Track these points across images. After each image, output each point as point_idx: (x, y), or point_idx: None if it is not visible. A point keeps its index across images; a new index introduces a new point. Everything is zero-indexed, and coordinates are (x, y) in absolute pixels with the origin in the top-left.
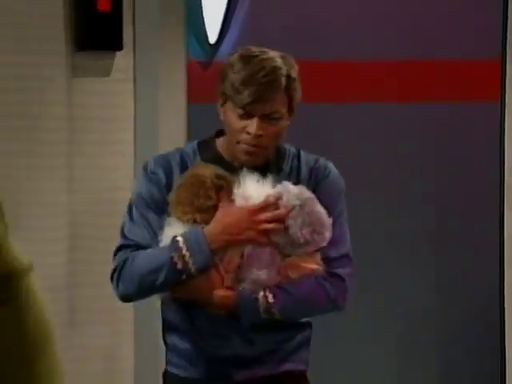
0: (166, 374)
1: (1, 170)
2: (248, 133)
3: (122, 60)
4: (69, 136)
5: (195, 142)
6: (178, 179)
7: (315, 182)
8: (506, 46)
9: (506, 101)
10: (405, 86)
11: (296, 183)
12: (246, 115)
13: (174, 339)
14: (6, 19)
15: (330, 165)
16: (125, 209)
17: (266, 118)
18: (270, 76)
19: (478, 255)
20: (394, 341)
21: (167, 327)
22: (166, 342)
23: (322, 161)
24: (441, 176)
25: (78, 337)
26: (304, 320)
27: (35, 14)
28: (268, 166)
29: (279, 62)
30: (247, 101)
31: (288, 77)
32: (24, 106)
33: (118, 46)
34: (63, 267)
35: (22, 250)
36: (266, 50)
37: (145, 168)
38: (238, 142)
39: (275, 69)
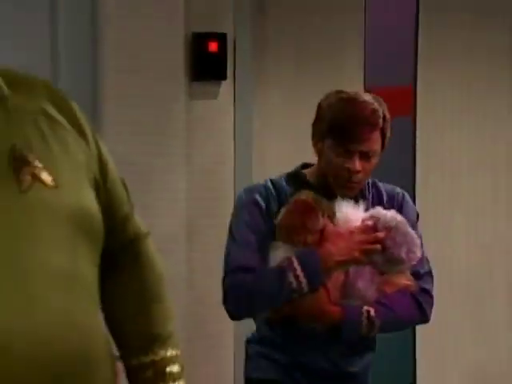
0: (250, 381)
1: (137, 167)
2: (348, 169)
3: (226, 87)
4: (187, 141)
5: (284, 174)
6: (275, 206)
7: (395, 208)
8: (416, 75)
9: (417, 117)
10: None
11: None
12: (346, 152)
13: (265, 350)
14: (142, 62)
15: (406, 193)
16: (226, 191)
17: (364, 155)
18: (370, 118)
19: None
20: None
21: (258, 339)
22: (253, 352)
23: (399, 189)
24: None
25: (192, 288)
26: (373, 344)
27: (164, 55)
28: (355, 194)
29: (376, 104)
30: (349, 140)
31: (384, 118)
32: (157, 120)
33: (223, 76)
34: (182, 233)
35: (143, 222)
36: (358, 92)
37: (245, 197)
38: (336, 177)
39: (374, 111)
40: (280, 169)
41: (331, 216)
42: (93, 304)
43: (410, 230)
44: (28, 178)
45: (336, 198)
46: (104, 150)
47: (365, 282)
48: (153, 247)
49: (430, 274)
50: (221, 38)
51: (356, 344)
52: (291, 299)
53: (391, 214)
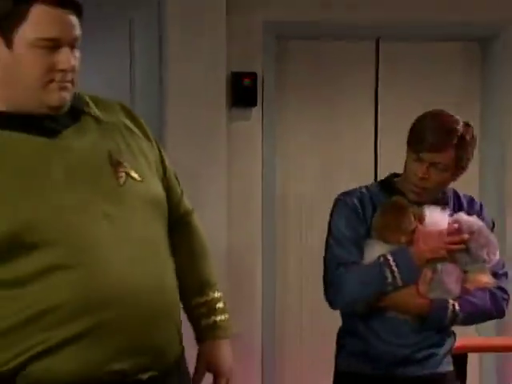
0: (341, 374)
1: (189, 172)
2: (415, 174)
3: (256, 112)
4: (227, 153)
5: (376, 182)
6: (369, 210)
7: (474, 215)
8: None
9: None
10: None
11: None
12: (418, 159)
13: (350, 342)
14: (195, 93)
15: (482, 203)
16: (255, 191)
17: (433, 166)
18: (444, 133)
19: None
20: None
21: (346, 332)
22: (342, 346)
23: (475, 199)
24: None
25: (232, 259)
26: (451, 329)
27: (211, 88)
28: (437, 201)
29: (460, 124)
30: (421, 149)
31: (461, 137)
32: (204, 136)
33: (254, 104)
34: (223, 222)
35: (189, 202)
36: (446, 111)
37: (343, 200)
38: (407, 181)
39: (451, 129)
40: (298, 173)
41: (421, 219)
42: (170, 262)
43: (490, 233)
44: (123, 175)
45: (422, 204)
46: (163, 152)
47: (451, 279)
48: (198, 221)
49: (506, 274)
50: (252, 76)
51: (437, 332)
52: (386, 292)
53: (474, 219)
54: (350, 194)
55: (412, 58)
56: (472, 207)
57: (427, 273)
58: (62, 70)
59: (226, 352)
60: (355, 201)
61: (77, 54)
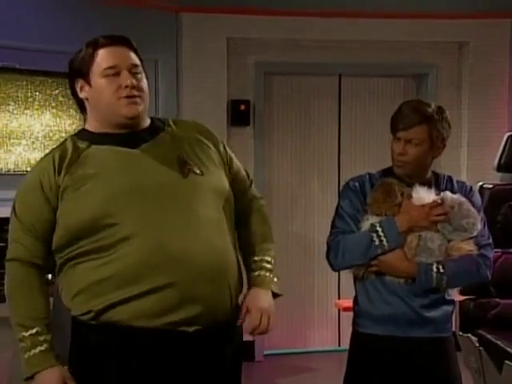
0: (354, 334)
1: None
2: (395, 152)
3: (249, 129)
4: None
5: (381, 169)
6: (369, 190)
7: (464, 195)
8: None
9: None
10: None
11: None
12: (397, 140)
13: (360, 304)
14: (203, 116)
15: (473, 186)
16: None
17: (408, 143)
18: (413, 114)
19: None
20: None
21: (357, 296)
22: (354, 308)
23: (468, 183)
24: None
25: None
26: (450, 298)
27: (215, 112)
28: (430, 183)
29: (431, 107)
30: (397, 129)
31: (430, 117)
32: None
33: (248, 124)
34: None
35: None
36: (422, 100)
37: (347, 184)
38: (392, 159)
39: (420, 109)
40: (282, 176)
41: (410, 196)
42: (228, 238)
43: (471, 208)
44: (186, 170)
45: (412, 184)
46: (230, 153)
47: (435, 245)
48: (263, 205)
49: (490, 245)
50: (246, 103)
51: (431, 294)
52: (375, 256)
53: (457, 196)
54: (354, 179)
55: (365, 90)
56: (462, 189)
57: (412, 239)
58: (126, 87)
59: (262, 298)
60: (356, 184)
61: (142, 79)
